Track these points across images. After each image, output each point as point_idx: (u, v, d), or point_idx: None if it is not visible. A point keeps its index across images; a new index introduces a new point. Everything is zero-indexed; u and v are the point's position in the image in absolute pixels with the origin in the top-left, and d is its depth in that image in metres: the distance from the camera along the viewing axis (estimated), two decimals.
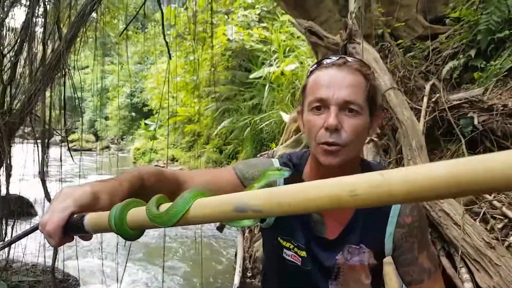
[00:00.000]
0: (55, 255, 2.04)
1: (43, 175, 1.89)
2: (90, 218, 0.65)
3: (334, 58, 1.05)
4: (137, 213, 0.63)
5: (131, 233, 0.65)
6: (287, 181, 1.13)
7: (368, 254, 1.10)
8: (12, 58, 2.36)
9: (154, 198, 0.64)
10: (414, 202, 0.37)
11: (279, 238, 1.17)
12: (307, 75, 1.10)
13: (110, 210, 0.64)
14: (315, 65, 1.09)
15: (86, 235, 0.68)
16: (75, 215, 0.66)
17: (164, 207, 0.62)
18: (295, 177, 1.12)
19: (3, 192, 2.27)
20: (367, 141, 2.81)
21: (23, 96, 2.34)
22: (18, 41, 2.25)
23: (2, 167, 2.48)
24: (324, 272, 1.13)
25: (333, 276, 1.13)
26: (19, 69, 2.37)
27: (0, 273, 2.90)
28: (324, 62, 1.06)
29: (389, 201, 0.37)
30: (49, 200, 2.06)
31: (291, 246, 1.15)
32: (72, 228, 0.66)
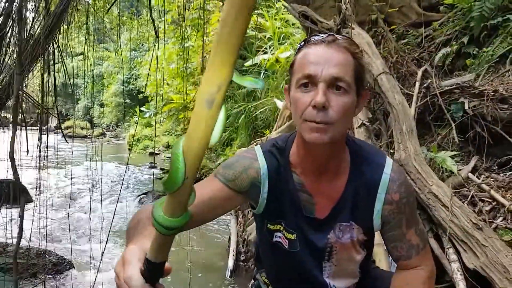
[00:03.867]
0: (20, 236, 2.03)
1: (12, 153, 1.88)
2: (151, 252, 0.63)
3: (323, 36, 1.04)
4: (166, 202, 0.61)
5: (181, 219, 0.61)
6: (273, 166, 1.14)
7: (357, 230, 1.12)
8: None
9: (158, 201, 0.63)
10: None
11: (268, 225, 1.18)
12: (295, 52, 1.09)
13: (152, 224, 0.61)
14: (303, 42, 1.08)
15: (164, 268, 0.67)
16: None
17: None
18: (281, 160, 1.15)
19: None
20: (358, 125, 2.83)
21: (9, 72, 2.30)
22: (3, 14, 2.20)
23: None
24: (317, 253, 1.15)
25: (326, 257, 1.15)
26: (4, 44, 2.33)
27: None
28: (313, 39, 1.05)
29: None
30: (17, 180, 2.05)
31: (281, 228, 1.16)
32: (151, 275, 0.65)
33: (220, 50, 0.49)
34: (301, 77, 1.01)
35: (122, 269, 0.66)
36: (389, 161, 1.12)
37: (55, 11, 2.13)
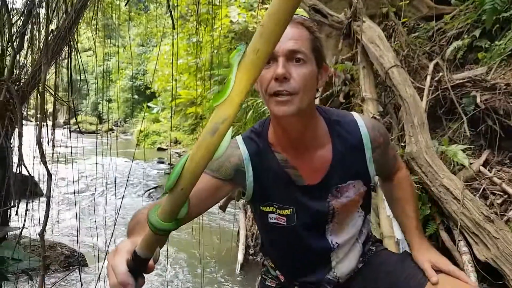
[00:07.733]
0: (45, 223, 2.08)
1: (39, 140, 1.93)
2: (140, 247, 0.70)
3: None
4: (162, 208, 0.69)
5: (171, 225, 0.69)
6: (254, 150, 1.19)
7: (356, 186, 1.20)
8: (20, 28, 2.35)
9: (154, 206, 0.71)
10: None
11: (261, 207, 1.23)
12: None
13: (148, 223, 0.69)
14: None
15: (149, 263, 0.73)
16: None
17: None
18: (260, 142, 1.20)
19: (15, 164, 2.30)
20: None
21: (32, 66, 2.35)
22: (26, 10, 2.25)
23: (13, 136, 2.52)
24: (320, 218, 1.21)
25: (329, 219, 1.21)
26: (27, 38, 2.37)
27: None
28: None
29: None
30: (45, 163, 2.10)
31: (273, 209, 1.21)
32: (135, 266, 0.71)
33: (232, 92, 0.59)
34: None
35: (112, 256, 0.74)
36: (357, 116, 1.22)
37: (74, 8, 2.17)
